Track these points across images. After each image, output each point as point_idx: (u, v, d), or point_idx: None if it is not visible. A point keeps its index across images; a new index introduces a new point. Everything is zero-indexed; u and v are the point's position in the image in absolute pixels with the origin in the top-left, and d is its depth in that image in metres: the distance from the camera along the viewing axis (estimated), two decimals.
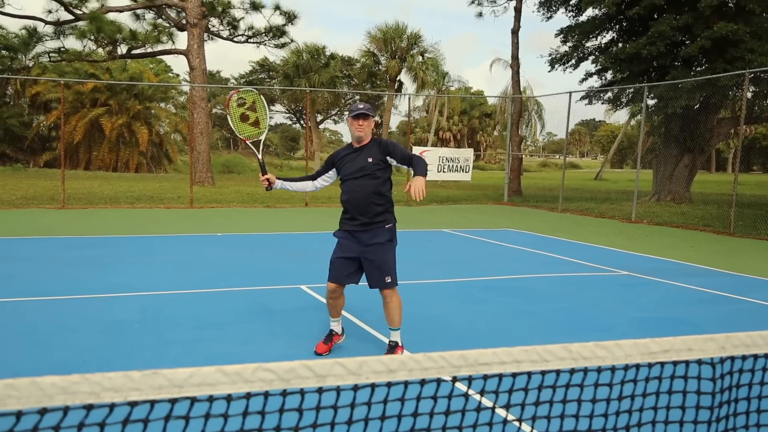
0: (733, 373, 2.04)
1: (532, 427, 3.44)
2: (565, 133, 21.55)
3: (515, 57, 25.29)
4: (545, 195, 24.94)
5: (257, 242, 11.51)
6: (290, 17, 28.38)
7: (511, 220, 16.44)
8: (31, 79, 34.32)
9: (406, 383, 1.56)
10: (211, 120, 48.95)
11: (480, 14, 27.64)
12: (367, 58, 42.23)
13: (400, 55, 40.91)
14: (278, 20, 28.55)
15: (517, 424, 3.28)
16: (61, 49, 26.23)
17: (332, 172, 5.25)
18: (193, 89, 24.57)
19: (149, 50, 27.11)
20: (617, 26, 22.47)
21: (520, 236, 13.26)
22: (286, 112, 56.18)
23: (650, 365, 1.72)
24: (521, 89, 26.59)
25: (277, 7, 28.00)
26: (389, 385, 1.52)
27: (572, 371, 1.75)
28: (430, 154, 20.67)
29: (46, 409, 1.24)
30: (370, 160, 4.99)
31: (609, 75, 23.14)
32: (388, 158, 5.07)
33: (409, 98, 24.93)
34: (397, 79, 41.88)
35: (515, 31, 24.92)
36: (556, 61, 23.33)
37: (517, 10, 24.70)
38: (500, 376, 1.61)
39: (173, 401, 1.35)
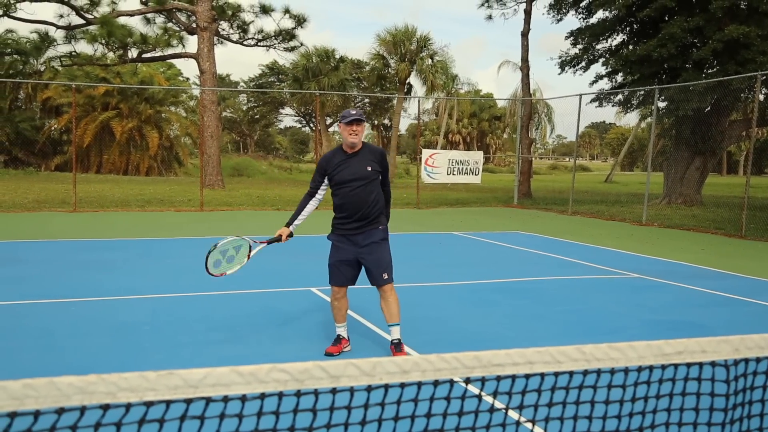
0: (747, 375, 2.03)
1: (545, 429, 3.43)
2: (575, 136, 21.50)
3: (525, 59, 25.27)
4: (555, 198, 24.87)
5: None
6: (300, 20, 28.48)
7: (521, 223, 16.41)
8: (42, 84, 34.57)
9: (419, 384, 1.57)
10: (221, 123, 49.14)
11: (490, 17, 27.60)
12: (377, 61, 42.26)
13: (410, 57, 40.92)
14: (288, 23, 28.72)
15: (530, 425, 3.28)
16: (73, 53, 26.43)
17: (326, 180, 5.26)
18: (203, 93, 24.69)
19: (160, 54, 27.27)
20: (628, 28, 22.38)
21: (530, 239, 13.22)
22: (295, 116, 56.36)
23: (664, 367, 1.72)
24: (531, 92, 26.55)
25: (286, 11, 28.13)
26: (403, 385, 1.52)
27: (585, 373, 1.75)
28: (440, 157, 20.67)
29: (63, 409, 1.26)
30: (369, 168, 5.10)
31: (619, 77, 23.07)
32: (380, 169, 5.20)
33: (419, 101, 24.97)
34: (407, 81, 41.89)
35: (525, 34, 24.90)
36: (567, 63, 23.27)
37: (527, 13, 24.68)
38: (513, 378, 1.62)
39: (188, 401, 1.36)
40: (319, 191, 5.32)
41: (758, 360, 1.80)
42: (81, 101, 37.27)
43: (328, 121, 47.36)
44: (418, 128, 24.84)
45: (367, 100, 50.27)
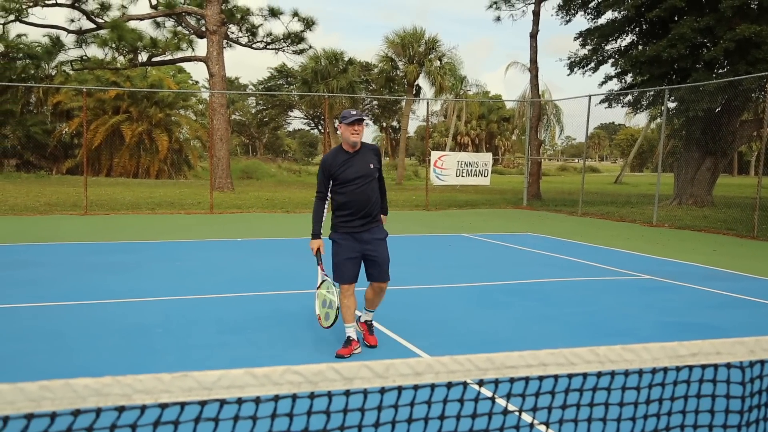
0: (763, 377, 2.02)
1: (559, 431, 3.42)
2: (584, 137, 21.43)
3: (534, 61, 25.22)
4: (565, 199, 24.80)
5: (277, 247, 11.57)
6: (308, 23, 28.54)
7: (530, 224, 16.37)
8: (53, 88, 34.79)
9: (432, 386, 1.57)
10: (231, 126, 49.29)
11: (498, 18, 27.57)
12: (385, 63, 42.32)
13: (418, 59, 40.95)
14: (296, 26, 28.76)
15: (544, 428, 3.26)
16: (83, 57, 26.59)
17: (330, 181, 5.36)
18: (212, 96, 24.77)
19: (169, 57, 27.39)
20: (637, 29, 22.29)
21: (540, 240, 13.19)
22: (304, 118, 56.48)
23: (678, 369, 1.71)
24: (540, 93, 26.49)
25: (295, 14, 28.19)
26: (416, 387, 1.52)
27: (599, 374, 1.74)
28: (449, 159, 20.65)
29: (79, 411, 1.26)
30: (371, 166, 5.32)
31: (629, 78, 22.97)
32: (378, 165, 5.44)
33: (427, 103, 24.93)
34: (415, 83, 41.93)
35: (534, 35, 24.85)
36: (576, 64, 23.21)
37: (536, 14, 24.63)
38: (527, 380, 1.61)
39: (203, 403, 1.37)
40: (329, 194, 5.39)
41: None
42: (91, 105, 37.49)
43: (337, 123, 47.40)
44: (426, 130, 24.84)
45: (375, 102, 50.32)
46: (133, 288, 7.72)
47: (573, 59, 23.29)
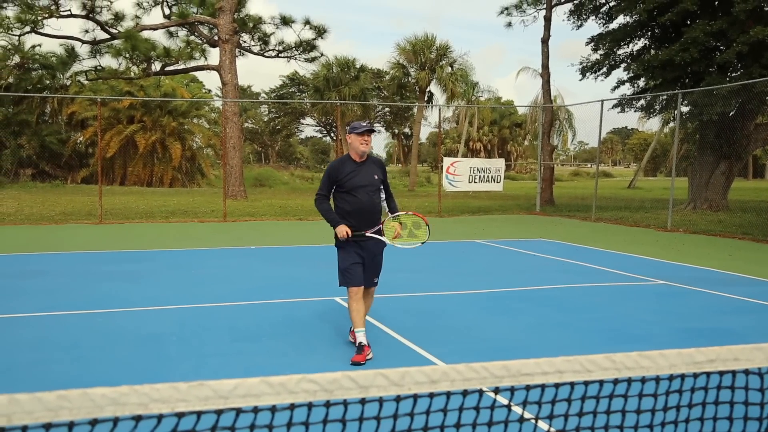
0: None
1: None
2: (597, 142, 21.35)
3: (545, 66, 25.18)
4: (578, 204, 24.69)
5: (290, 255, 11.59)
6: (320, 31, 28.66)
7: (544, 230, 16.30)
8: (68, 98, 35.12)
9: (448, 394, 1.56)
10: (243, 134, 49.55)
11: (509, 24, 27.57)
12: (397, 70, 42.40)
13: (430, 66, 40.99)
14: (308, 35, 28.90)
15: None
16: (98, 67, 26.85)
17: (334, 187, 5.55)
18: (225, 104, 24.91)
19: (182, 66, 27.60)
20: (649, 33, 22.20)
21: (554, 246, 13.13)
22: (316, 126, 56.66)
23: (695, 375, 1.69)
24: (552, 98, 26.43)
25: (307, 22, 28.33)
26: (431, 395, 1.52)
27: (616, 381, 1.73)
28: (461, 165, 20.64)
29: (96, 420, 1.27)
30: (375, 177, 5.52)
31: (641, 82, 22.87)
32: (383, 177, 5.65)
33: (439, 109, 24.99)
34: (427, 90, 41.96)
35: (545, 40, 24.82)
36: (588, 69, 23.14)
37: (547, 19, 24.61)
38: (543, 387, 1.60)
39: (219, 412, 1.37)
40: (330, 196, 5.59)
41: None
42: (106, 114, 37.82)
43: (347, 133, 47.52)
44: (438, 136, 24.86)
45: (387, 109, 50.39)
46: (148, 296, 7.76)
47: (585, 64, 23.24)
